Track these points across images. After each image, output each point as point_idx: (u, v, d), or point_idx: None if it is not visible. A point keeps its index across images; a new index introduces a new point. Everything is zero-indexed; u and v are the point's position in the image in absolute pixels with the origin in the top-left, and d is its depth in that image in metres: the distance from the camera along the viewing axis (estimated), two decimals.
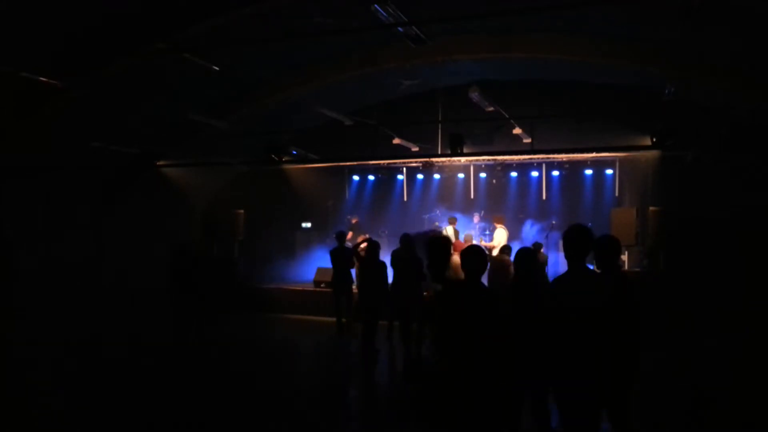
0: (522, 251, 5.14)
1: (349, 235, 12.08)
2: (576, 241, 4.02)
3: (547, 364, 4.07)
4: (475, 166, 14.34)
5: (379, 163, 14.62)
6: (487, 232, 13.68)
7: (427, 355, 8.27)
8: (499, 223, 12.55)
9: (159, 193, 12.99)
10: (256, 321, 12.12)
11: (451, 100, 12.11)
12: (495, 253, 11.87)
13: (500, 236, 12.27)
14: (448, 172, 14.90)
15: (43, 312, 10.77)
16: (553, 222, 12.99)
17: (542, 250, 10.95)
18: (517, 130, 12.06)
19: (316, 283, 13.03)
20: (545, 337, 4.00)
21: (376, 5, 7.00)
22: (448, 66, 11.27)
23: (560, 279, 4.15)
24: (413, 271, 8.59)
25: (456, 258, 10.23)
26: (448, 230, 12.89)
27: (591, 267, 4.27)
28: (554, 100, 11.95)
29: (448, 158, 12.45)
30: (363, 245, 11.39)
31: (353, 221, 14.14)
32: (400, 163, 14.37)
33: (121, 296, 12.17)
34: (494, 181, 14.74)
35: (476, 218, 13.79)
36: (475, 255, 4.17)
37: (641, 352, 4.24)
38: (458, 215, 14.06)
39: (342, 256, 10.03)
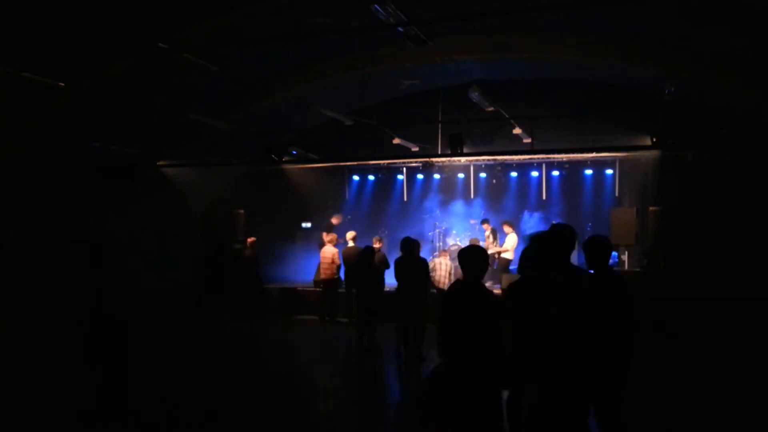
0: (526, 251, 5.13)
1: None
2: (563, 242, 4.03)
3: (539, 364, 4.07)
4: (475, 166, 14.35)
5: (379, 163, 14.62)
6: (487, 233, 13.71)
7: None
8: (509, 228, 12.60)
9: (159, 193, 12.98)
10: (267, 322, 12.14)
11: (451, 100, 12.10)
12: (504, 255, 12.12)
13: (511, 241, 12.35)
14: (448, 172, 14.89)
15: (45, 312, 10.76)
16: (554, 222, 12.98)
17: None
18: (517, 130, 12.05)
19: (316, 283, 13.04)
20: (539, 336, 4.01)
21: (375, 5, 6.99)
22: (448, 66, 11.26)
23: (557, 279, 4.15)
24: (417, 274, 8.56)
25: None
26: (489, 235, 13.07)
27: (582, 267, 4.27)
28: (554, 100, 11.94)
29: (448, 158, 12.45)
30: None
31: (333, 221, 13.90)
32: (400, 163, 14.37)
33: (122, 296, 12.15)
34: (494, 181, 14.75)
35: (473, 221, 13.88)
36: (475, 255, 4.16)
37: (636, 353, 4.23)
38: (458, 216, 14.09)
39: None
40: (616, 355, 4.03)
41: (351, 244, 11.47)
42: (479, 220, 13.60)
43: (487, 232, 13.20)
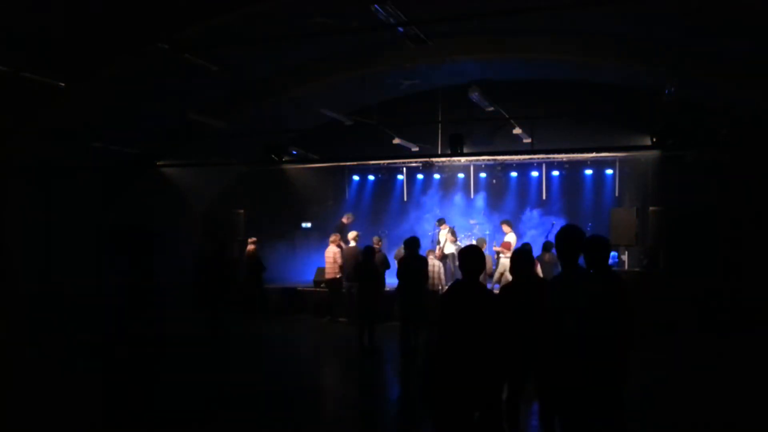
0: (518, 251, 5.15)
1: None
2: (568, 242, 4.03)
3: (538, 363, 4.07)
4: (475, 166, 14.36)
5: (379, 163, 14.62)
6: (487, 232, 13.69)
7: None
8: (507, 227, 12.55)
9: (159, 193, 12.98)
10: (267, 322, 12.13)
11: (451, 100, 12.11)
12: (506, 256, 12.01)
13: (510, 240, 12.28)
14: (448, 172, 14.90)
15: (46, 313, 10.76)
16: (554, 222, 12.98)
17: (552, 251, 10.87)
18: (517, 130, 12.06)
19: (316, 283, 13.04)
20: (539, 335, 4.01)
21: (375, 5, 7.00)
22: (448, 66, 11.27)
23: (554, 279, 4.16)
24: (418, 273, 8.56)
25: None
26: (442, 234, 12.82)
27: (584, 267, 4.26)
28: (554, 100, 11.95)
29: (448, 158, 12.45)
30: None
31: (344, 220, 13.59)
32: (400, 163, 14.37)
33: (123, 296, 12.15)
34: (494, 181, 14.76)
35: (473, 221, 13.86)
36: (474, 255, 4.17)
37: (636, 353, 4.21)
38: (458, 216, 14.07)
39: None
40: (615, 355, 4.02)
41: (352, 243, 11.46)
42: (437, 221, 13.19)
43: (445, 231, 12.67)
